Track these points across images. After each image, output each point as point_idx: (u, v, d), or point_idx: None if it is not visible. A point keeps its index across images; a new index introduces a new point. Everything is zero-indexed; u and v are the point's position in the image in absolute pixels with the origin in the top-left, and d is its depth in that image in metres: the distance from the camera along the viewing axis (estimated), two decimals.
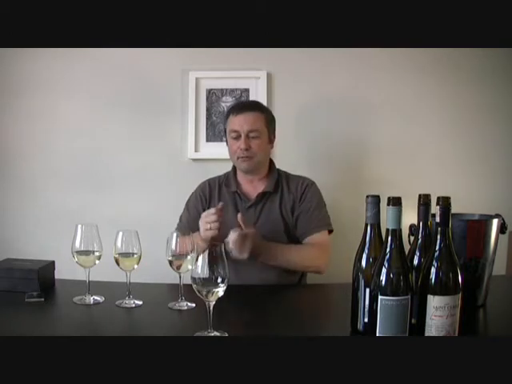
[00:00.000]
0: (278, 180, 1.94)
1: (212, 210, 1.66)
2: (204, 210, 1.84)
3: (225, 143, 2.54)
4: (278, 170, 2.00)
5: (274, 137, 1.98)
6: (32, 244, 2.49)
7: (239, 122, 1.87)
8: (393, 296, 1.03)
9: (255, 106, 1.94)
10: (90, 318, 1.33)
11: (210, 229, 1.63)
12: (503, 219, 1.40)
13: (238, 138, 1.87)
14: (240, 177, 1.97)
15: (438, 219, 1.06)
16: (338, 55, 2.52)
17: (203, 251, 1.11)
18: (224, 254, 1.10)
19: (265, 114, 1.92)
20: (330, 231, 1.90)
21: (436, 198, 1.07)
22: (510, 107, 2.61)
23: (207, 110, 2.55)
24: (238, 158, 1.88)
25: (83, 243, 1.38)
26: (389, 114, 2.59)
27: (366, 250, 1.14)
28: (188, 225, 1.87)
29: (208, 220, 1.64)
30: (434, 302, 1.03)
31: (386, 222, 1.07)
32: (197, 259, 1.10)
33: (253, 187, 1.95)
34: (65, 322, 1.29)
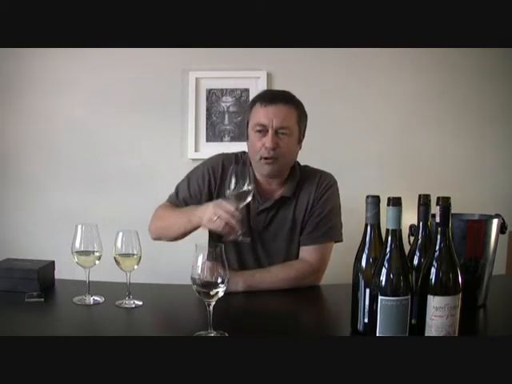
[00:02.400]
0: (298, 182, 1.69)
1: (235, 212, 1.41)
2: (210, 195, 1.66)
3: (225, 143, 2.57)
4: (298, 164, 1.75)
5: (304, 136, 1.70)
6: (32, 244, 2.50)
7: (268, 115, 1.57)
8: (393, 296, 1.03)
9: (288, 98, 1.62)
10: (90, 318, 1.33)
11: (218, 224, 1.40)
12: (503, 219, 1.40)
13: (263, 132, 1.58)
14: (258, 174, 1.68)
15: (438, 219, 1.06)
16: (338, 55, 2.53)
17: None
18: (224, 254, 1.10)
19: (298, 108, 1.63)
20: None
21: (436, 198, 1.07)
22: (510, 107, 2.61)
23: (207, 109, 2.56)
24: (260, 158, 1.59)
25: (83, 243, 1.37)
26: (389, 114, 2.60)
27: (366, 251, 1.14)
28: (184, 204, 1.68)
29: (224, 216, 1.39)
30: (434, 303, 1.03)
31: (386, 222, 1.07)
32: (196, 260, 1.10)
33: (270, 188, 1.69)
34: (65, 322, 1.29)
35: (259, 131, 1.59)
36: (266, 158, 1.58)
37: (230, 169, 1.49)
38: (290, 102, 1.61)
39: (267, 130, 1.57)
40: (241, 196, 1.44)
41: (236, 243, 1.65)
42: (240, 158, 1.74)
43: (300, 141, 1.68)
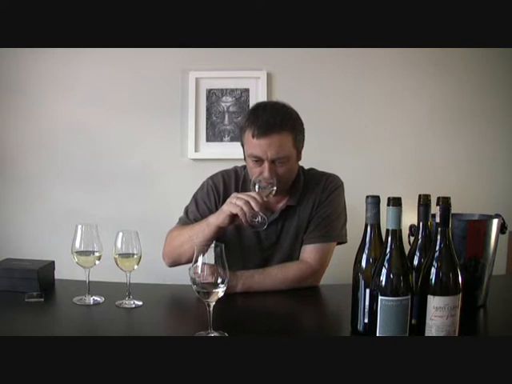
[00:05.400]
0: (303, 188, 1.69)
1: (256, 195, 1.44)
2: (216, 207, 1.65)
3: (225, 143, 2.57)
4: (302, 169, 1.75)
5: (303, 146, 1.65)
6: (32, 244, 2.50)
7: (262, 148, 1.52)
8: (393, 296, 1.03)
9: (281, 125, 1.52)
10: (90, 318, 1.33)
11: (241, 208, 1.41)
12: (503, 219, 1.40)
13: (260, 162, 1.56)
14: None
15: (438, 219, 1.06)
16: (338, 55, 2.53)
17: (201, 250, 1.10)
18: (224, 254, 1.10)
19: (293, 131, 1.56)
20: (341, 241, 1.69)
21: (436, 198, 1.07)
22: (510, 107, 2.61)
23: (207, 109, 2.56)
24: (258, 183, 1.53)
25: (83, 243, 1.37)
26: (389, 114, 2.60)
27: (366, 251, 1.14)
28: (195, 221, 1.65)
29: (245, 197, 1.42)
30: (434, 303, 1.03)
31: (386, 222, 1.07)
32: (196, 259, 1.10)
33: (275, 199, 1.65)
34: (65, 322, 1.29)
35: (255, 161, 1.56)
36: (264, 187, 1.53)
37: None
38: (284, 127, 1.53)
39: (263, 161, 1.54)
40: (264, 191, 1.49)
41: (241, 246, 1.67)
42: (240, 174, 1.75)
43: (299, 155, 1.65)
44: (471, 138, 2.61)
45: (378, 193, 1.13)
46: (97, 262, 1.38)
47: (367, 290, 1.11)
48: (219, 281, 1.10)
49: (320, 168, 1.79)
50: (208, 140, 2.57)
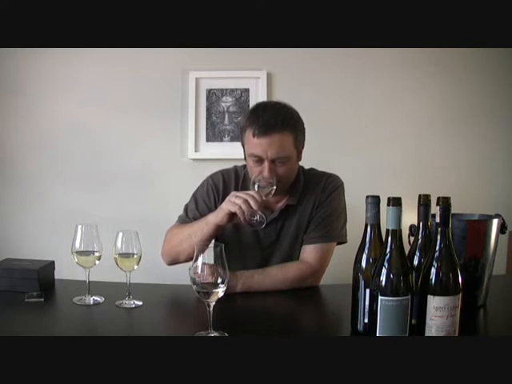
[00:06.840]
0: (303, 188, 1.69)
1: (255, 194, 1.46)
2: (216, 206, 1.64)
3: (225, 143, 2.57)
4: (302, 169, 1.75)
5: (303, 146, 1.65)
6: (32, 244, 2.50)
7: (262, 147, 1.52)
8: (393, 296, 1.03)
9: (282, 125, 1.52)
10: (90, 318, 1.33)
11: (240, 207, 1.42)
12: (503, 219, 1.40)
13: (260, 161, 1.56)
14: None
15: (437, 219, 1.06)
16: (338, 55, 2.53)
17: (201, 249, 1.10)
18: (224, 254, 1.10)
19: (293, 131, 1.57)
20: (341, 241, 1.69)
21: (436, 198, 1.07)
22: (510, 107, 2.61)
23: (207, 109, 2.56)
24: (257, 182, 1.53)
25: (83, 243, 1.37)
26: (389, 114, 2.60)
27: (366, 251, 1.14)
28: (194, 220, 1.65)
29: (243, 196, 1.43)
30: (434, 303, 1.03)
31: (386, 222, 1.07)
32: (196, 259, 1.10)
33: (275, 199, 1.65)
34: (65, 322, 1.29)
35: (256, 161, 1.56)
36: (264, 186, 1.53)
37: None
38: (285, 127, 1.53)
39: (263, 160, 1.54)
40: (263, 190, 1.49)
41: (240, 245, 1.68)
42: (240, 173, 1.75)
43: (300, 153, 1.64)
44: (471, 138, 2.61)
45: (378, 193, 1.13)
46: (97, 262, 1.38)
47: (367, 290, 1.11)
48: (219, 281, 1.10)
49: (320, 168, 1.79)
50: (208, 140, 2.57)
